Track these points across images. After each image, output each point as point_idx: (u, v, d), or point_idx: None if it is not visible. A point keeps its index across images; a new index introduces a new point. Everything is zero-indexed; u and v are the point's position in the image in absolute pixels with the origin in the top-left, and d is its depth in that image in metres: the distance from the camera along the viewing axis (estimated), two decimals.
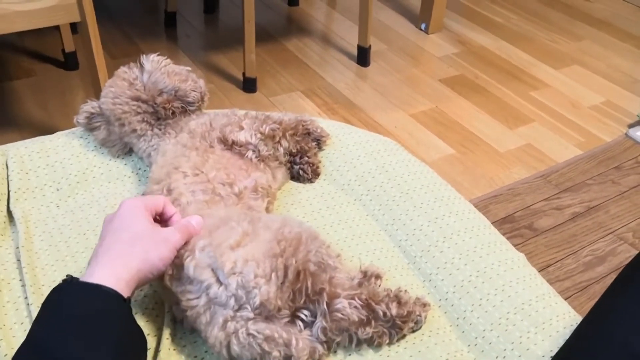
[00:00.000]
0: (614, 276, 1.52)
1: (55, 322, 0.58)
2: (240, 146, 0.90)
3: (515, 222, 1.67)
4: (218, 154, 0.88)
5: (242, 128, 0.92)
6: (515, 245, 0.93)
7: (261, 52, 2.37)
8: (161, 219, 0.75)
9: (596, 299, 1.44)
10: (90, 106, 0.99)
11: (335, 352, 0.73)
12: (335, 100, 2.17)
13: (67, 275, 0.63)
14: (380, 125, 2.05)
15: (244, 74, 2.17)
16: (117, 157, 1.01)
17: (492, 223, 0.96)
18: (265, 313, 0.68)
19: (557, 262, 1.55)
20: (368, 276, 0.78)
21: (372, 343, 0.73)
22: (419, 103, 2.19)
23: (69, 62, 2.18)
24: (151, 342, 0.72)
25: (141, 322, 0.74)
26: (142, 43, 2.41)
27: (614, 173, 1.90)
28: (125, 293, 0.62)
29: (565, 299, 0.83)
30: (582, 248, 1.60)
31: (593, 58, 2.57)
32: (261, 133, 0.92)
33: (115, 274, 0.62)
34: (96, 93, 1.73)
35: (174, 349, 0.71)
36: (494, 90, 2.30)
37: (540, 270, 0.87)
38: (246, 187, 0.86)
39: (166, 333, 0.72)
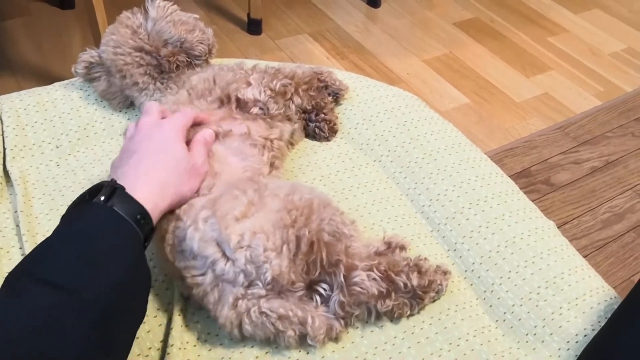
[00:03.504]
0: (632, 234, 1.49)
1: (71, 233, 0.57)
2: (246, 103, 0.83)
3: (531, 176, 1.61)
4: (204, 109, 0.80)
5: (249, 84, 0.84)
6: (531, 201, 0.87)
7: None
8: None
9: (613, 259, 1.42)
10: (89, 55, 0.92)
11: (356, 328, 0.68)
12: (345, 44, 2.07)
13: (111, 179, 0.62)
14: (392, 72, 1.96)
15: (248, 14, 2.07)
16: (119, 110, 0.94)
17: (508, 177, 0.90)
18: (278, 288, 0.63)
19: (574, 219, 1.51)
20: (392, 247, 0.73)
21: (393, 315, 0.69)
22: (432, 48, 2.09)
23: (65, 1, 2.07)
24: (162, 319, 0.68)
25: (150, 295, 0.69)
26: None
27: (634, 125, 1.83)
28: (155, 220, 0.62)
29: None
30: (600, 204, 1.55)
31: (614, 1, 2.45)
32: (271, 89, 0.85)
33: (154, 200, 0.62)
34: (94, 35, 1.64)
35: (186, 326, 0.67)
36: (510, 35, 2.20)
37: None
38: (234, 132, 0.78)
39: (177, 309, 0.67)
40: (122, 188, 0.60)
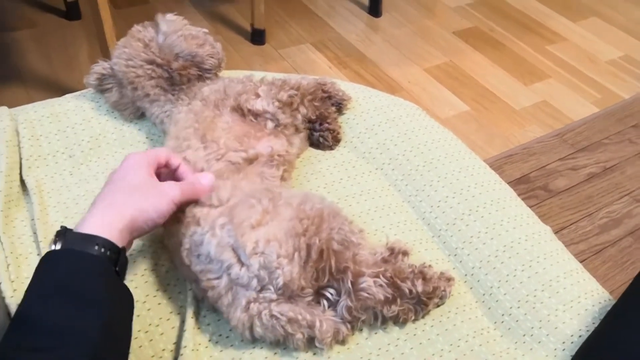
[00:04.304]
0: (629, 239, 1.51)
1: (42, 287, 0.57)
2: (257, 115, 0.86)
3: (530, 182, 1.64)
4: (227, 121, 0.84)
5: (258, 96, 0.88)
6: (529, 207, 0.91)
7: (269, 1, 2.29)
8: (170, 171, 0.75)
9: (610, 263, 1.45)
10: (101, 67, 0.95)
11: (360, 330, 0.71)
12: (347, 54, 2.11)
13: (61, 227, 0.62)
14: (394, 80, 2.00)
15: (252, 25, 2.10)
16: (130, 121, 0.97)
17: (507, 184, 0.94)
18: (288, 293, 0.66)
19: (572, 224, 1.54)
20: (395, 253, 0.76)
21: (398, 320, 0.72)
22: (432, 57, 2.13)
23: (71, 12, 2.11)
24: (174, 321, 0.71)
25: (163, 299, 0.73)
26: None
27: (631, 132, 1.86)
28: (118, 241, 0.61)
29: (580, 262, 0.82)
30: (597, 210, 1.58)
31: (612, 10, 2.48)
32: (278, 100, 0.88)
33: (109, 222, 0.62)
34: (101, 45, 1.67)
35: (198, 328, 0.70)
36: (509, 43, 2.24)
37: (555, 233, 0.86)
38: (262, 154, 0.83)
39: (190, 312, 0.70)
40: (70, 230, 0.61)
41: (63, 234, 0.60)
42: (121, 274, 0.62)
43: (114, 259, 0.60)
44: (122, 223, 0.62)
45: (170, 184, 0.70)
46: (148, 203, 0.66)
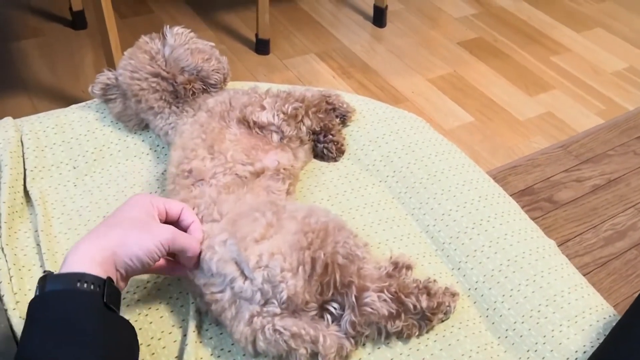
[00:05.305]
0: (634, 252, 1.51)
1: (34, 332, 0.56)
2: (262, 127, 0.87)
3: (534, 194, 1.64)
4: (235, 133, 0.85)
5: (263, 108, 0.88)
6: (534, 219, 0.90)
7: (274, 11, 2.30)
8: (180, 227, 0.70)
9: (615, 276, 1.44)
10: (106, 77, 0.95)
11: (364, 345, 0.71)
12: (351, 64, 2.11)
13: (44, 271, 0.61)
14: (397, 91, 2.00)
15: (257, 35, 2.11)
16: (134, 132, 0.97)
17: (511, 195, 0.94)
18: (292, 307, 0.66)
19: (576, 236, 1.53)
20: (399, 267, 0.76)
21: (402, 335, 0.72)
22: (436, 67, 2.13)
23: (77, 22, 2.12)
24: (177, 335, 0.71)
25: (165, 312, 0.73)
26: (151, 2, 2.34)
27: (636, 144, 1.85)
28: (101, 273, 0.59)
29: (585, 275, 0.82)
30: (602, 222, 1.58)
31: (616, 21, 2.48)
32: (283, 113, 0.89)
33: (90, 257, 0.60)
34: (106, 54, 1.68)
35: (200, 342, 0.70)
36: (514, 54, 2.23)
37: (559, 245, 0.85)
38: (268, 167, 0.83)
39: (192, 325, 0.70)
40: (52, 272, 0.60)
41: (44, 278, 0.59)
42: (113, 306, 0.59)
43: (100, 292, 0.58)
44: (101, 256, 0.60)
45: (164, 227, 0.66)
46: (133, 239, 0.63)
